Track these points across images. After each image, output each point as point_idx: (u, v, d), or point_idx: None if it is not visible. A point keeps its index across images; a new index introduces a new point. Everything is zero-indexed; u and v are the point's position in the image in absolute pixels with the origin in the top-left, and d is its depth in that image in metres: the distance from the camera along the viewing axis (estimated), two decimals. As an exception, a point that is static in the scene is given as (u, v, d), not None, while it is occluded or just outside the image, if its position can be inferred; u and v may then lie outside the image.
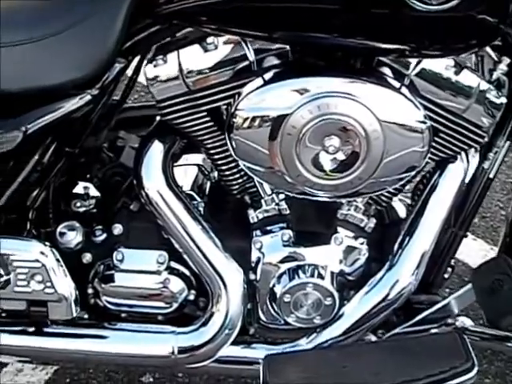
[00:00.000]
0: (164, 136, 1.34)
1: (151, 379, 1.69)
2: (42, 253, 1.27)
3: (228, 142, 1.24)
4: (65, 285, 1.28)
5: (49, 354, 1.40)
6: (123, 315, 1.41)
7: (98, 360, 1.41)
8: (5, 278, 1.25)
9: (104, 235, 1.39)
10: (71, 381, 1.70)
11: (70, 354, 1.41)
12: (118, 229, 1.37)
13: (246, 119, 1.22)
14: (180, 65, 1.25)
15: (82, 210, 1.42)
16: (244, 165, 1.26)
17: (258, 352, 1.39)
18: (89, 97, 1.26)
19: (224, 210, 1.43)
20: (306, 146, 1.21)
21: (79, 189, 1.44)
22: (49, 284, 1.26)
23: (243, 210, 1.39)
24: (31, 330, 1.36)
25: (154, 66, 1.26)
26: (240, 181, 1.36)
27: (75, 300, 1.30)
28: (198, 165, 1.46)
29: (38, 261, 1.26)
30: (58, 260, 1.27)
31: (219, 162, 1.34)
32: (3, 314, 1.32)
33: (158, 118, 1.39)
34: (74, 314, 1.30)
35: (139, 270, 1.36)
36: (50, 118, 1.25)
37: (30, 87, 1.21)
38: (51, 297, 1.28)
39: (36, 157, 1.28)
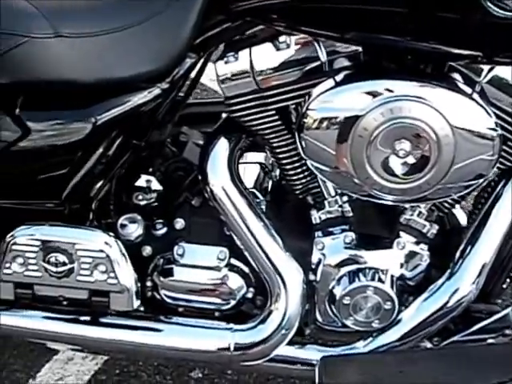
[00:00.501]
0: (230, 133, 1.34)
1: (200, 375, 1.70)
2: (107, 243, 1.28)
3: (297, 141, 1.24)
4: (128, 276, 1.29)
5: (102, 344, 1.40)
6: (180, 309, 1.41)
7: (151, 352, 1.41)
8: (68, 266, 1.26)
9: (165, 229, 1.39)
10: (121, 372, 1.71)
11: (123, 345, 1.40)
12: (179, 223, 1.38)
13: (316, 120, 1.22)
14: (251, 62, 1.25)
15: (143, 203, 1.43)
16: (312, 164, 1.26)
17: (312, 353, 1.38)
18: (159, 91, 1.27)
19: (285, 209, 1.43)
20: (377, 148, 1.20)
21: (141, 182, 1.44)
22: (112, 275, 1.27)
23: (304, 210, 1.38)
24: (86, 319, 1.38)
25: (225, 62, 1.27)
26: (303, 181, 1.36)
27: (136, 292, 1.31)
28: (260, 163, 1.46)
29: (102, 251, 1.27)
30: (121, 251, 1.28)
31: (283, 162, 1.34)
32: (64, 303, 1.32)
33: (223, 114, 1.40)
34: (135, 306, 1.31)
35: (200, 265, 1.36)
36: (120, 111, 1.26)
37: (102, 79, 1.23)
38: (114, 287, 1.29)
39: (102, 149, 1.29)
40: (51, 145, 1.27)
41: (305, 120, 1.22)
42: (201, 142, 1.41)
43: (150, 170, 1.44)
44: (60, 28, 1.19)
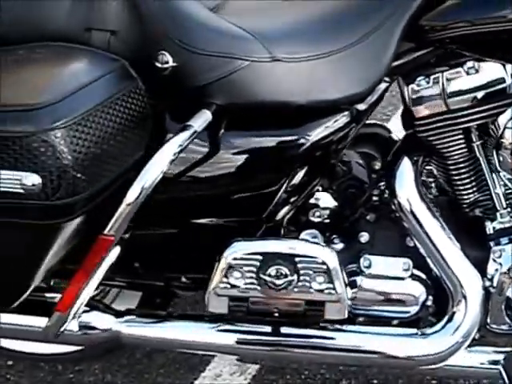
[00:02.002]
0: (412, 151, 1.45)
1: (349, 385, 1.78)
2: (327, 255, 1.36)
3: (495, 157, 1.36)
4: (343, 286, 1.37)
5: (286, 354, 1.49)
6: (360, 318, 1.50)
7: (340, 358, 1.49)
8: (289, 278, 1.34)
9: (343, 243, 1.48)
10: (270, 386, 1.78)
11: (304, 355, 1.49)
12: (364, 237, 1.47)
13: (514, 138, 1.34)
14: (442, 86, 1.37)
15: (318, 219, 1.52)
16: (504, 176, 1.38)
17: (489, 354, 1.48)
18: (357, 112, 1.38)
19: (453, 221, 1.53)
20: None
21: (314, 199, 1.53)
22: (330, 285, 1.35)
23: (470, 222, 1.49)
24: (270, 329, 1.45)
25: (417, 85, 1.38)
26: (473, 195, 1.47)
27: (348, 300, 1.39)
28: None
29: (324, 263, 1.35)
30: (338, 262, 1.37)
31: (456, 178, 1.45)
32: (276, 314, 1.40)
33: (393, 135, 1.52)
34: (346, 315, 1.39)
35: (386, 275, 1.45)
36: (325, 131, 1.36)
37: (313, 100, 1.33)
38: (331, 297, 1.37)
39: (306, 167, 1.38)
40: (262, 163, 1.36)
41: (503, 139, 1.34)
42: (361, 162, 1.53)
43: (324, 187, 1.53)
44: (276, 53, 1.30)
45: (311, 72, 1.32)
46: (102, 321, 1.48)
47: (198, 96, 1.31)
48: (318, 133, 1.36)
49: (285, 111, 1.34)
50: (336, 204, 1.53)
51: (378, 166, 1.55)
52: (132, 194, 1.21)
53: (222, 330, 1.46)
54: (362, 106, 1.38)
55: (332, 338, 1.46)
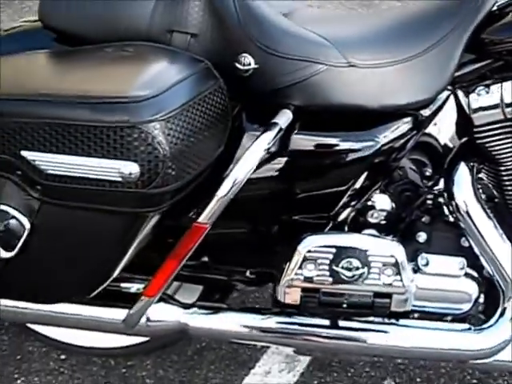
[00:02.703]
0: (468, 157, 1.55)
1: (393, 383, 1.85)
2: (396, 249, 1.44)
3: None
4: (409, 279, 1.45)
5: (340, 346, 1.56)
6: (415, 314, 1.57)
7: (400, 352, 1.56)
8: (360, 271, 1.42)
9: (401, 243, 1.56)
10: (318, 383, 1.85)
11: (358, 348, 1.56)
12: (422, 237, 1.55)
13: None
14: (501, 96, 1.46)
15: (376, 220, 1.60)
16: None
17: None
18: (422, 118, 1.47)
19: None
20: None
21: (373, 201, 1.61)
22: (398, 278, 1.44)
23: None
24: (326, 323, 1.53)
25: (478, 95, 1.47)
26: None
27: (413, 293, 1.48)
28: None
29: (392, 256, 1.43)
30: (405, 256, 1.45)
31: (508, 183, 1.55)
32: (344, 306, 1.47)
33: (447, 143, 1.62)
34: (411, 307, 1.47)
35: (443, 273, 1.53)
36: (394, 134, 1.46)
37: (385, 105, 1.42)
38: (398, 290, 1.45)
39: (375, 167, 1.47)
40: (333, 163, 1.45)
41: None
42: (414, 167, 1.62)
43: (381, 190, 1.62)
44: (351, 59, 1.39)
45: (383, 78, 1.41)
46: (170, 312, 1.55)
47: (276, 97, 1.40)
48: (385, 136, 1.45)
49: (357, 114, 1.43)
50: (393, 206, 1.61)
51: (428, 172, 1.64)
52: (225, 187, 1.29)
53: (280, 323, 1.54)
54: (426, 113, 1.47)
55: (387, 332, 1.54)
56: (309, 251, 1.43)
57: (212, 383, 1.85)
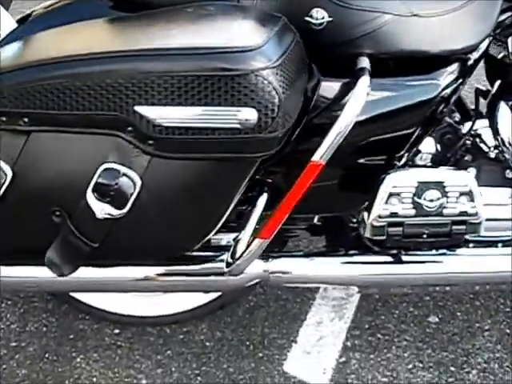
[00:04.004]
0: (507, 96, 1.70)
1: (437, 319, 1.99)
2: (469, 180, 1.58)
3: None
4: (481, 205, 1.58)
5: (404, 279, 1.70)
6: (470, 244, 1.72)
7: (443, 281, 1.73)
8: (440, 201, 1.54)
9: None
10: (370, 327, 1.96)
11: (420, 279, 1.71)
12: (471, 172, 1.69)
13: None
14: (534, 41, 1.64)
15: (424, 162, 1.72)
16: None
17: None
18: (468, 64, 1.61)
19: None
20: None
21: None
22: (473, 205, 1.56)
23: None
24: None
25: (515, 41, 1.65)
26: None
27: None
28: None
29: (466, 186, 1.56)
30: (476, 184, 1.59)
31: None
32: (424, 236, 1.59)
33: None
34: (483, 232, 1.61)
35: (494, 203, 1.68)
36: (449, 78, 1.59)
37: (443, 50, 1.54)
38: (472, 216, 1.57)
39: (437, 108, 1.59)
40: (403, 107, 1.56)
41: None
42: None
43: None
44: (414, 9, 1.51)
45: (441, 25, 1.53)
46: (255, 262, 1.60)
47: (349, 48, 1.50)
48: (445, 79, 1.58)
49: (419, 60, 1.55)
50: (437, 148, 1.75)
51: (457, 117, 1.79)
52: (339, 126, 1.38)
53: (348, 263, 1.66)
54: (474, 56, 1.62)
55: (445, 262, 1.67)
56: (394, 187, 1.54)
57: (270, 338, 1.93)
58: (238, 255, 1.52)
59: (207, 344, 1.92)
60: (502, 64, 1.69)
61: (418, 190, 1.55)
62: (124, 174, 1.34)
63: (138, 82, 1.27)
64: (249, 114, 1.28)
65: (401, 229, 1.56)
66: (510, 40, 1.65)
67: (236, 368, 1.85)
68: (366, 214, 1.57)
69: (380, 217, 1.55)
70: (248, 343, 1.92)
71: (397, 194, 1.54)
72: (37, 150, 1.35)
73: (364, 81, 1.41)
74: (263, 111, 1.28)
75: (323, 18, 1.47)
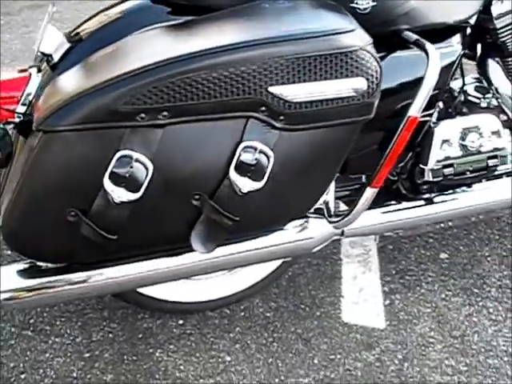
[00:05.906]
0: (491, 54, 2.06)
1: (446, 255, 2.30)
2: (495, 120, 1.90)
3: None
4: (508, 140, 1.91)
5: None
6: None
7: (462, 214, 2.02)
8: (479, 141, 1.85)
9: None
10: (396, 272, 2.23)
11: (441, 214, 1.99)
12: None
13: None
14: None
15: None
16: None
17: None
18: (469, 30, 1.94)
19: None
20: None
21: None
22: (501, 141, 1.88)
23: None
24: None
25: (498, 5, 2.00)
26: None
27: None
28: None
29: (495, 125, 1.89)
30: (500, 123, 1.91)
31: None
32: (468, 173, 1.88)
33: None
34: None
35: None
36: (461, 43, 1.90)
37: (457, 20, 1.85)
38: (502, 150, 1.89)
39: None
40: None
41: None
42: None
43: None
44: None
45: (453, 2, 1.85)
46: (324, 224, 1.80)
47: (391, 26, 1.76)
48: (458, 43, 1.88)
49: (440, 29, 1.85)
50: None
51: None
52: (428, 82, 1.63)
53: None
54: (472, 21, 1.95)
55: (458, 199, 1.95)
56: (445, 135, 1.83)
57: (319, 298, 2.13)
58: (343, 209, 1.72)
59: (268, 315, 2.08)
60: (483, 29, 2.04)
61: (462, 134, 1.85)
62: (261, 151, 1.49)
63: (269, 66, 1.44)
64: (360, 83, 1.50)
65: (452, 169, 1.85)
66: (492, 8, 2.00)
67: (303, 329, 2.03)
68: (422, 162, 1.84)
69: (438, 161, 1.83)
70: (303, 306, 2.10)
71: (447, 140, 1.83)
72: (173, 141, 1.45)
73: (430, 45, 1.67)
74: (370, 79, 1.50)
75: (368, 3, 1.72)
